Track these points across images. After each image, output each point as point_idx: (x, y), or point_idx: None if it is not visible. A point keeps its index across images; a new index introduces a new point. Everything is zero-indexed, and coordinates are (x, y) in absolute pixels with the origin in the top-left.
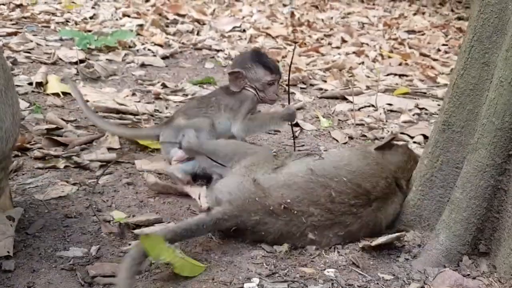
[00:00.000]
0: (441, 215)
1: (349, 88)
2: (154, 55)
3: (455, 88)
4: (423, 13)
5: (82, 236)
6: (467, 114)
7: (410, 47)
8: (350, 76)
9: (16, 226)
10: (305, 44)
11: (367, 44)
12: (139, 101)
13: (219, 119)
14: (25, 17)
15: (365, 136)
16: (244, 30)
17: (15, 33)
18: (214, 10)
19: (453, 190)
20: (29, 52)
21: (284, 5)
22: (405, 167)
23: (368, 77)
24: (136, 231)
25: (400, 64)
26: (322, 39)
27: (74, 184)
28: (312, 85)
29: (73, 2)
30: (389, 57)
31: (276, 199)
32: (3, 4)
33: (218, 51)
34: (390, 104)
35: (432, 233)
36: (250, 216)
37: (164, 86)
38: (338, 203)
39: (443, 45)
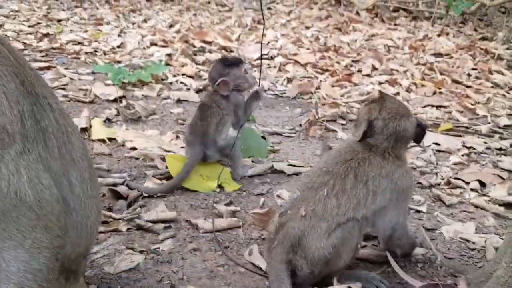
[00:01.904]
0: None
1: None
2: (188, 89)
3: None
4: (447, 34)
5: None
6: None
7: (441, 73)
8: None
9: None
10: (335, 72)
11: (397, 71)
12: (183, 147)
13: (228, 123)
14: (54, 48)
15: (420, 183)
16: (272, 57)
17: (47, 67)
18: (239, 36)
19: None
20: (64, 89)
21: (307, 28)
22: None
23: None
24: None
25: (434, 93)
26: (351, 65)
27: (140, 251)
28: (351, 120)
29: (99, 30)
30: (422, 85)
31: None
32: (30, 34)
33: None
34: (437, 144)
35: None
36: None
37: None
38: None
39: (473, 69)
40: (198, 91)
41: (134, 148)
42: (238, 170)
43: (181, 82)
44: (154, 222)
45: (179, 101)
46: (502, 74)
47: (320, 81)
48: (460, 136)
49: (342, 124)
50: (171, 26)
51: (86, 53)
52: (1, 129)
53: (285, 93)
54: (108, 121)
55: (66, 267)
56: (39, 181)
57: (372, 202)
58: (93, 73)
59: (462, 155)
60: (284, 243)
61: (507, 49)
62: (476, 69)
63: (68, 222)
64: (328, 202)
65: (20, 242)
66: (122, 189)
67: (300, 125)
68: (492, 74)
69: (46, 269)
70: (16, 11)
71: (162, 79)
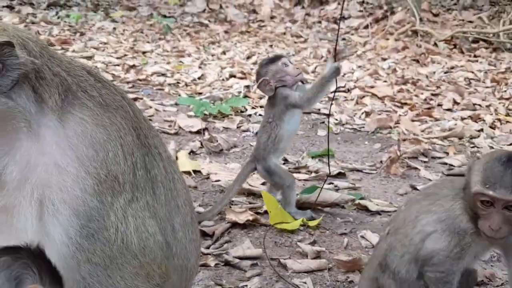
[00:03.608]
0: None
1: None
2: None
3: None
4: None
5: None
6: None
7: None
8: (472, 147)
9: None
10: (415, 106)
11: (480, 105)
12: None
13: (282, 124)
14: (140, 80)
15: None
16: (348, 90)
17: (135, 99)
18: (315, 68)
19: None
20: (151, 120)
21: (383, 59)
22: None
23: (492, 147)
24: None
25: None
26: (430, 99)
27: None
28: (433, 157)
29: (181, 62)
30: (507, 121)
31: None
32: (118, 65)
33: (326, 115)
34: None
35: None
36: None
37: (285, 161)
38: None
39: None
40: None
41: (218, 181)
42: (290, 207)
43: (260, 115)
44: (241, 258)
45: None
46: None
47: (399, 115)
48: None
49: (424, 162)
50: (248, 57)
51: (169, 84)
52: (113, 178)
53: (363, 127)
54: (192, 153)
55: None
56: (145, 229)
57: None
58: (176, 104)
59: None
60: (373, 260)
61: None
62: None
63: (169, 267)
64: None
65: None
66: (208, 225)
67: (381, 161)
68: None
69: None
70: (105, 43)
71: (241, 111)
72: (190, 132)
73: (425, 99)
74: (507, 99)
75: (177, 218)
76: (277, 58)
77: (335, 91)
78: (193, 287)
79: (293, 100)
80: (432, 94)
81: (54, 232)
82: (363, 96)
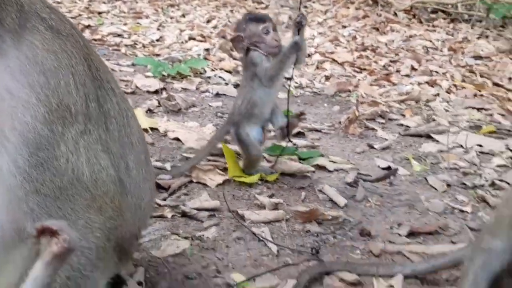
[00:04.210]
0: None
1: (433, 125)
2: (227, 84)
3: None
4: (487, 37)
5: None
6: None
7: (481, 76)
8: (429, 110)
9: None
10: (374, 72)
11: (437, 72)
12: (227, 140)
13: (254, 90)
14: (95, 39)
15: (464, 184)
16: (309, 55)
17: None
18: None
19: None
20: None
21: (344, 27)
22: None
23: (447, 110)
24: None
25: (475, 96)
26: (389, 65)
27: (185, 238)
28: (391, 119)
29: (138, 23)
30: (463, 87)
31: None
32: None
33: (287, 79)
34: (480, 145)
35: None
36: None
37: None
38: None
39: None
40: (236, 85)
41: (176, 139)
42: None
43: (220, 77)
44: (198, 210)
45: (217, 94)
46: None
47: (359, 80)
48: (503, 138)
49: (381, 123)
50: (208, 21)
51: (126, 45)
52: (65, 107)
53: (323, 90)
54: (149, 111)
55: (119, 248)
56: (97, 162)
57: None
58: (133, 65)
59: (506, 158)
60: None
61: None
62: None
63: (123, 204)
64: None
65: (74, 222)
66: (164, 178)
67: (340, 122)
68: None
69: (96, 248)
70: (59, 3)
71: (201, 73)
72: (148, 92)
73: (383, 66)
74: (463, 66)
75: (131, 156)
76: (261, 20)
77: (296, 57)
78: (148, 236)
79: (257, 72)
80: (391, 61)
81: (2, 161)
82: (323, 61)
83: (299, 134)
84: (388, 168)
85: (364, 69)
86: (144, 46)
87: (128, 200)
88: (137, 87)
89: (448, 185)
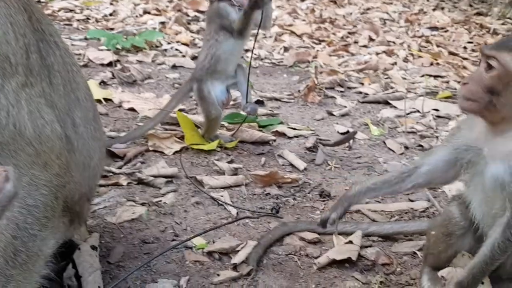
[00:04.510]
0: None
1: (391, 92)
2: (184, 56)
3: None
4: (442, 8)
5: (168, 265)
6: None
7: (437, 46)
8: (386, 78)
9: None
10: (332, 43)
11: (394, 43)
12: (183, 109)
13: (218, 44)
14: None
15: (421, 146)
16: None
17: None
18: None
19: None
20: None
21: (302, 0)
22: None
23: (404, 78)
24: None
25: (431, 64)
26: (347, 37)
27: (142, 204)
28: (349, 88)
29: None
30: (419, 56)
31: None
32: None
33: (245, 50)
34: (437, 110)
35: None
36: None
37: None
38: None
39: (468, 42)
40: (193, 57)
41: (131, 109)
42: (209, 136)
43: (176, 49)
44: (155, 177)
45: (174, 67)
46: None
47: (317, 50)
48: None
49: (340, 91)
50: None
51: (78, 20)
52: (4, 58)
53: (282, 61)
54: (103, 83)
55: (69, 208)
56: (41, 116)
57: None
58: (86, 39)
59: None
60: None
61: (503, 24)
62: (472, 42)
63: (71, 161)
64: None
65: (17, 178)
66: (119, 147)
67: (299, 91)
68: None
69: (43, 206)
70: None
71: (157, 46)
72: (101, 64)
73: (342, 37)
74: (419, 37)
75: (78, 112)
76: None
77: (258, 28)
78: (103, 203)
79: (227, 22)
80: (349, 33)
81: None
82: (282, 34)
83: (258, 103)
84: (347, 132)
85: (323, 41)
86: (97, 20)
87: (76, 157)
88: (89, 59)
89: (406, 148)
